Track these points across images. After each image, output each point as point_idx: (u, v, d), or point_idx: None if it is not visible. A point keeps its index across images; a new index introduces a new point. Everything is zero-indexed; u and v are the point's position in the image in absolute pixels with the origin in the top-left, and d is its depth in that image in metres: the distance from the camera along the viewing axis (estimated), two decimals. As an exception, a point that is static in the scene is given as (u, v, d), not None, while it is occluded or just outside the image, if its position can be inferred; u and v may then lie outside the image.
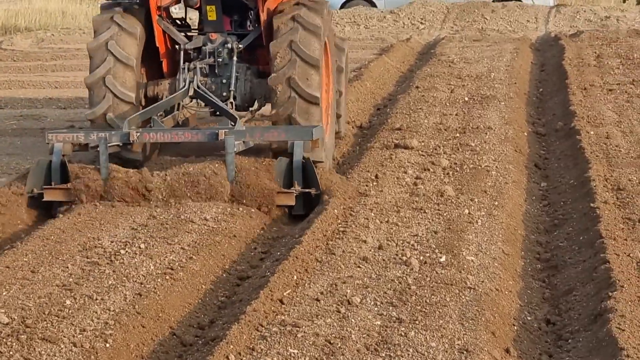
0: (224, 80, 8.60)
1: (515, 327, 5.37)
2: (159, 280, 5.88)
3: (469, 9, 19.97)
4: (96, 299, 5.50)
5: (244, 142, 7.87)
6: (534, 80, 13.23)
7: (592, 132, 9.40)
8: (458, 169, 8.27)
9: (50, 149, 7.87)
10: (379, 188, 7.73)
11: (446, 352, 4.79)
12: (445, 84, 12.28)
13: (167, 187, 7.58)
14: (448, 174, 8.13)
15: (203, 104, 8.70)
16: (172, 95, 8.43)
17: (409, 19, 19.46)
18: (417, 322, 5.13)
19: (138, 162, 8.18)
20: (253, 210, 7.43)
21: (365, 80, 12.28)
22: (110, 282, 5.77)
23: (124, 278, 5.85)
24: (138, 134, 7.83)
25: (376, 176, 8.06)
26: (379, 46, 16.64)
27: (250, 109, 8.84)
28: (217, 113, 8.88)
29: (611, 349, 4.75)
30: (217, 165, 7.70)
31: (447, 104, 11.09)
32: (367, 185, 7.82)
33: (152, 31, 8.61)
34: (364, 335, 4.99)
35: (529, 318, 5.55)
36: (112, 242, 6.49)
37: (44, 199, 7.70)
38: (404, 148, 8.94)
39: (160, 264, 6.13)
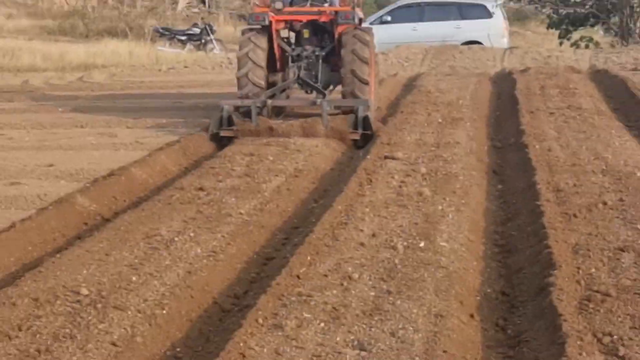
0: (313, 73, 11.01)
1: (478, 298, 5.38)
2: (204, 261, 5.91)
3: (442, 50, 19.94)
4: (156, 276, 5.53)
5: (330, 106, 10.46)
6: (493, 106, 13.23)
7: (537, 146, 9.40)
8: (433, 174, 8.27)
9: (221, 108, 10.35)
10: (373, 189, 7.75)
11: (425, 317, 4.81)
12: (424, 109, 12.27)
13: (291, 129, 10.09)
14: (425, 178, 8.14)
15: (300, 87, 11.31)
16: (288, 81, 11.10)
17: (396, 58, 19.43)
18: (402, 293, 5.14)
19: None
20: (277, 206, 7.46)
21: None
22: (166, 263, 5.80)
23: (177, 260, 5.88)
24: (271, 100, 10.52)
25: (370, 180, 8.08)
26: (373, 79, 16.66)
27: (328, 90, 11.23)
28: (309, 92, 11.22)
29: (552, 315, 4.76)
30: (316, 118, 10.22)
31: (425, 124, 11.09)
32: (363, 187, 7.85)
33: (272, 43, 10.98)
34: (361, 304, 5.01)
35: (488, 290, 5.56)
36: (168, 231, 6.52)
37: (220, 136, 10.27)
38: (392, 159, 8.96)
39: (205, 248, 6.16)
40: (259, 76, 10.74)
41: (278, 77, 11.27)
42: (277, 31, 11.04)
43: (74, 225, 7.08)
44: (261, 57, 10.75)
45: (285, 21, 11.18)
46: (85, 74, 19.24)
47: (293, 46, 11.27)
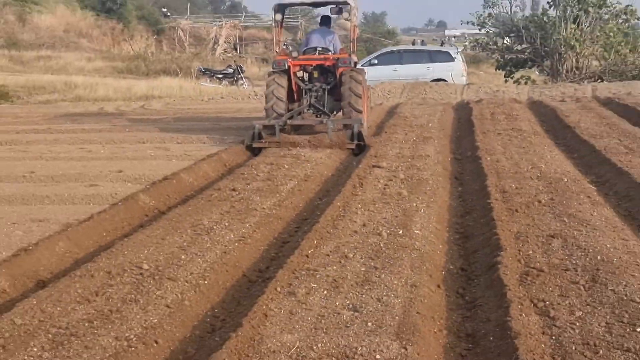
0: (321, 102, 11.29)
1: (443, 272, 5.38)
2: (236, 244, 5.91)
3: (416, 86, 19.92)
4: (199, 255, 5.53)
5: (334, 125, 10.60)
6: (454, 128, 13.22)
7: (488, 158, 9.40)
8: (409, 179, 8.27)
9: (253, 126, 10.59)
10: (363, 190, 7.75)
11: (403, 287, 4.81)
12: (402, 130, 12.27)
13: (305, 141, 10.29)
14: (404, 182, 8.13)
15: (311, 112, 11.38)
16: (302, 107, 11.29)
17: (381, 92, 19.42)
18: (385, 269, 5.15)
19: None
20: (291, 203, 7.45)
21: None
22: (207, 245, 5.80)
23: (216, 243, 5.88)
24: (289, 120, 10.89)
25: (361, 184, 8.08)
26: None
27: (332, 114, 11.51)
28: (318, 116, 11.33)
29: (499, 286, 4.76)
30: (323, 134, 10.53)
31: (403, 141, 11.08)
32: (356, 188, 7.84)
33: (291, 81, 11.28)
34: (355, 276, 5.01)
35: (451, 267, 5.55)
36: (209, 221, 6.52)
37: (253, 147, 10.46)
38: (378, 167, 8.95)
39: (237, 234, 6.16)
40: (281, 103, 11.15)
41: (295, 105, 11.68)
42: (294, 72, 11.50)
43: (137, 216, 7.09)
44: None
45: (300, 65, 11.59)
46: (146, 103, 19.29)
47: (306, 82, 11.63)
